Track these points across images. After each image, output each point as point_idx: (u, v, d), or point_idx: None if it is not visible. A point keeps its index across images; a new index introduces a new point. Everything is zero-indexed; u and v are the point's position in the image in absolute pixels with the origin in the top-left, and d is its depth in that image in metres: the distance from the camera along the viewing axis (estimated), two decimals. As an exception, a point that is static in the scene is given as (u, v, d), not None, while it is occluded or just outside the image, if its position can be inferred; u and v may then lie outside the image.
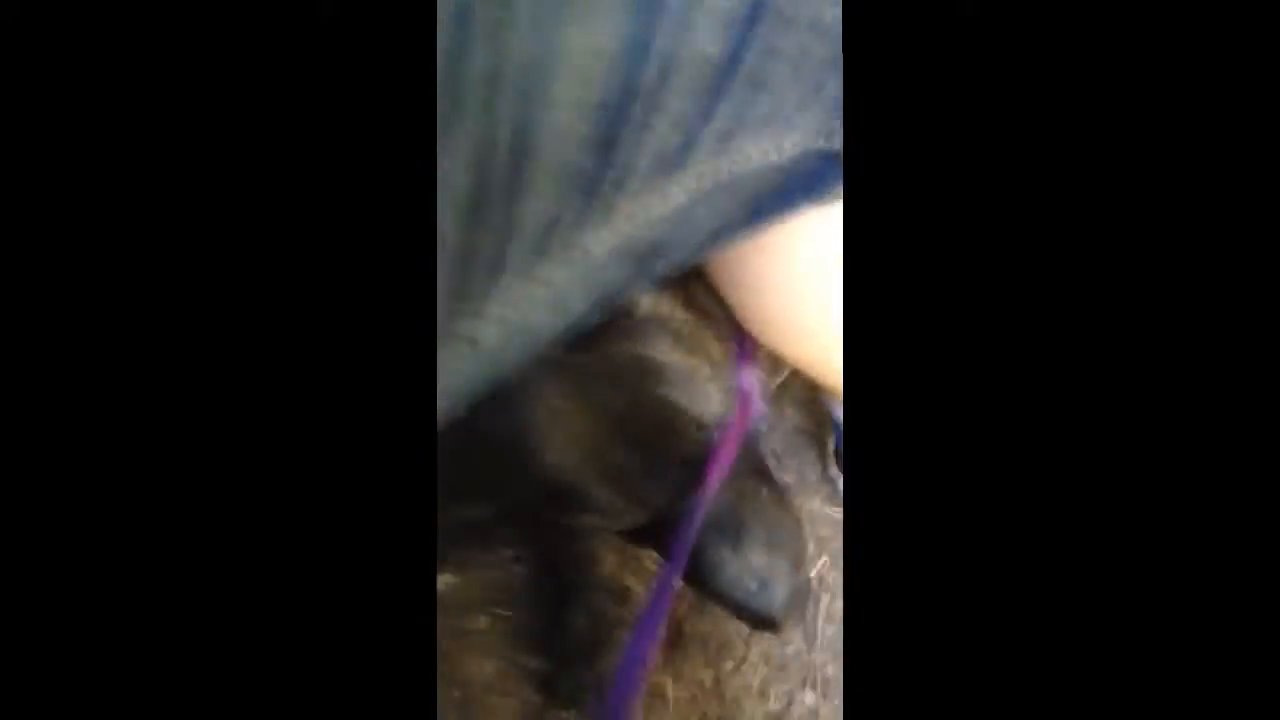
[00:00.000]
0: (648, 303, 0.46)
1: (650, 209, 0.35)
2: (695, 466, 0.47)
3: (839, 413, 0.64)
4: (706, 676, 0.71)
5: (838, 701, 0.70)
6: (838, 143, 0.37)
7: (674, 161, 0.35)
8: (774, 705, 0.70)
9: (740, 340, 0.53)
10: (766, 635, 0.72)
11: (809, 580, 0.51)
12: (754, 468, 0.50)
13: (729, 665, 0.72)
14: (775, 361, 0.78)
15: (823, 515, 0.75)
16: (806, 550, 0.52)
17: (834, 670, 0.71)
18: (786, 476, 0.77)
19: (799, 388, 0.79)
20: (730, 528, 0.47)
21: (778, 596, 0.48)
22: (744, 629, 0.71)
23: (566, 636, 0.64)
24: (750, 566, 0.47)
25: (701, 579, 0.49)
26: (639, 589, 0.70)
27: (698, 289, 0.50)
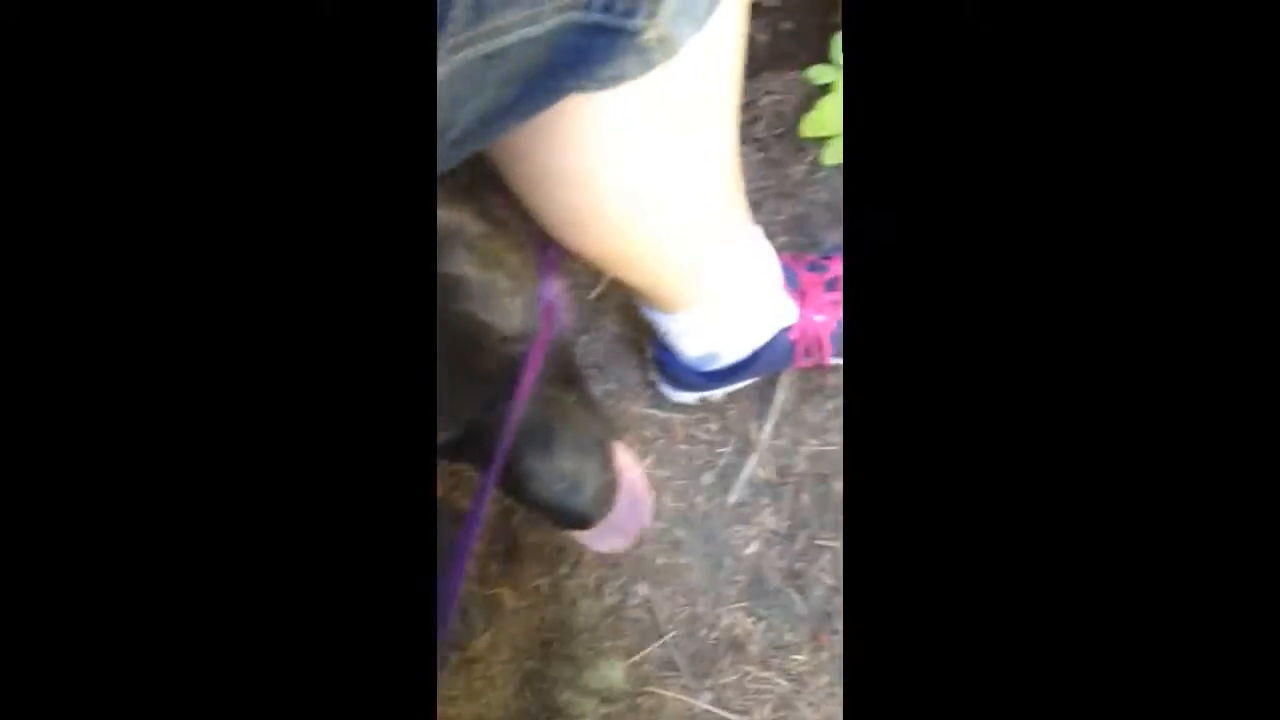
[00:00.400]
0: (440, 216, 0.45)
1: None
2: (502, 380, 0.47)
3: (649, 314, 0.66)
4: (543, 582, 0.74)
5: (668, 590, 0.74)
6: (600, 14, 0.36)
7: None
8: (610, 600, 0.74)
9: (542, 249, 0.53)
10: (599, 537, 0.75)
11: (615, 477, 0.53)
12: (561, 375, 0.51)
13: (564, 569, 0.74)
14: (594, 271, 0.79)
15: (646, 417, 0.78)
16: (611, 450, 0.54)
17: (663, 561, 0.75)
18: (609, 384, 0.79)
19: (618, 295, 0.80)
20: (539, 436, 0.48)
21: (586, 495, 0.49)
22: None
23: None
24: (560, 471, 0.49)
25: (515, 487, 0.50)
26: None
27: (492, 198, 0.49)
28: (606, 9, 0.37)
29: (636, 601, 0.74)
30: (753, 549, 0.75)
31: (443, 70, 0.34)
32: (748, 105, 0.81)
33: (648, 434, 0.78)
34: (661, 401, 0.78)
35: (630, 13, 0.37)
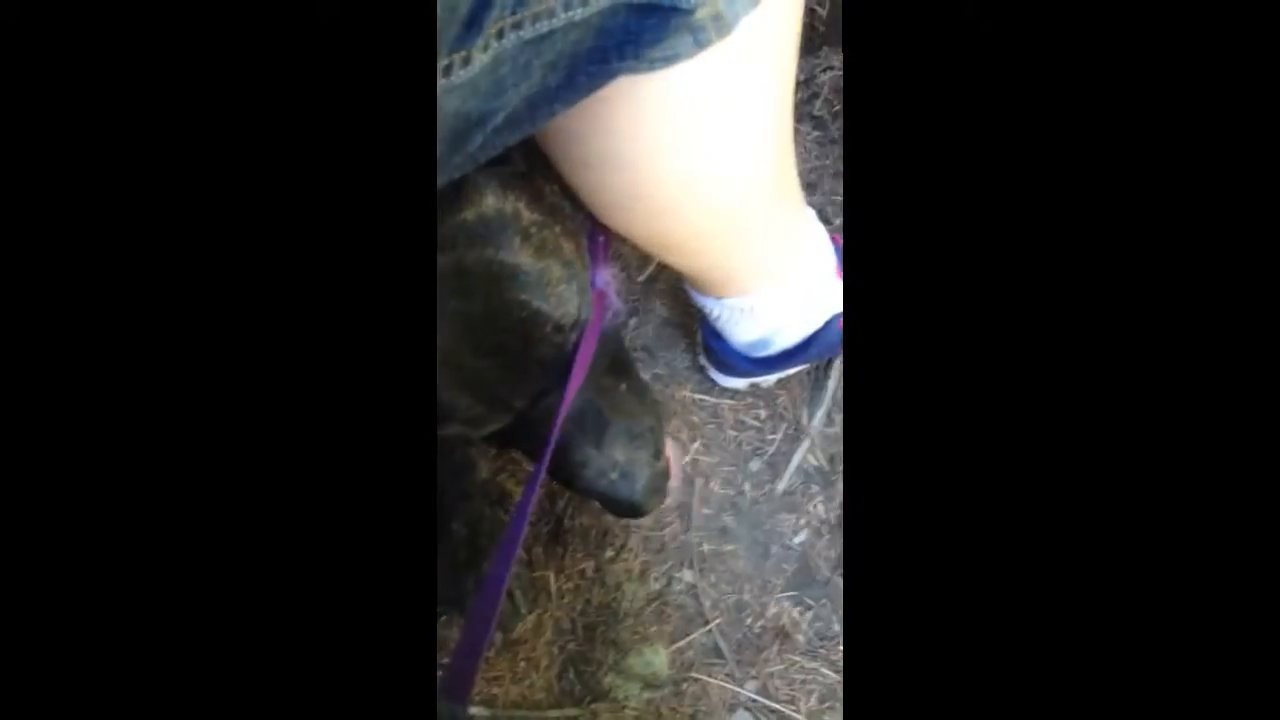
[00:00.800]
0: (493, 202, 0.44)
1: (451, 75, 0.33)
2: (555, 368, 0.47)
3: (699, 300, 0.64)
4: (588, 566, 0.73)
5: (714, 577, 0.73)
6: None
7: (470, 20, 0.32)
8: (655, 585, 0.74)
9: (593, 236, 0.52)
10: (645, 522, 0.74)
11: (667, 467, 0.53)
12: (613, 363, 0.50)
13: (609, 553, 0.74)
14: (642, 253, 0.78)
15: (695, 402, 0.77)
16: (664, 439, 0.53)
17: (709, 548, 0.74)
18: (657, 368, 0.78)
19: (667, 278, 0.79)
20: (592, 425, 0.48)
21: (639, 485, 0.49)
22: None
23: (447, 545, 0.64)
24: (613, 460, 0.48)
25: (567, 476, 0.49)
26: (517, 492, 0.71)
27: (544, 185, 0.48)
28: None
29: (681, 587, 0.74)
30: (802, 538, 0.74)
31: (486, 56, 0.33)
32: (806, 82, 0.79)
33: (696, 419, 0.77)
34: (710, 386, 0.77)
35: None
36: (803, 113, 0.79)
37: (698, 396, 0.77)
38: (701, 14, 0.38)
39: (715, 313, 0.65)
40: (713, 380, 0.76)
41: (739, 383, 0.75)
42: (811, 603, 0.72)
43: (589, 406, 0.47)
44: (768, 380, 0.75)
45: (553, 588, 0.73)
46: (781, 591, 0.73)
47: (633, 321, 0.79)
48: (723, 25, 0.40)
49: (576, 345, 0.46)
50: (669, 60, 0.40)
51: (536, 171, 0.49)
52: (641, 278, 0.80)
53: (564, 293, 0.45)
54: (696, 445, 0.76)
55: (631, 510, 0.50)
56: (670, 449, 0.55)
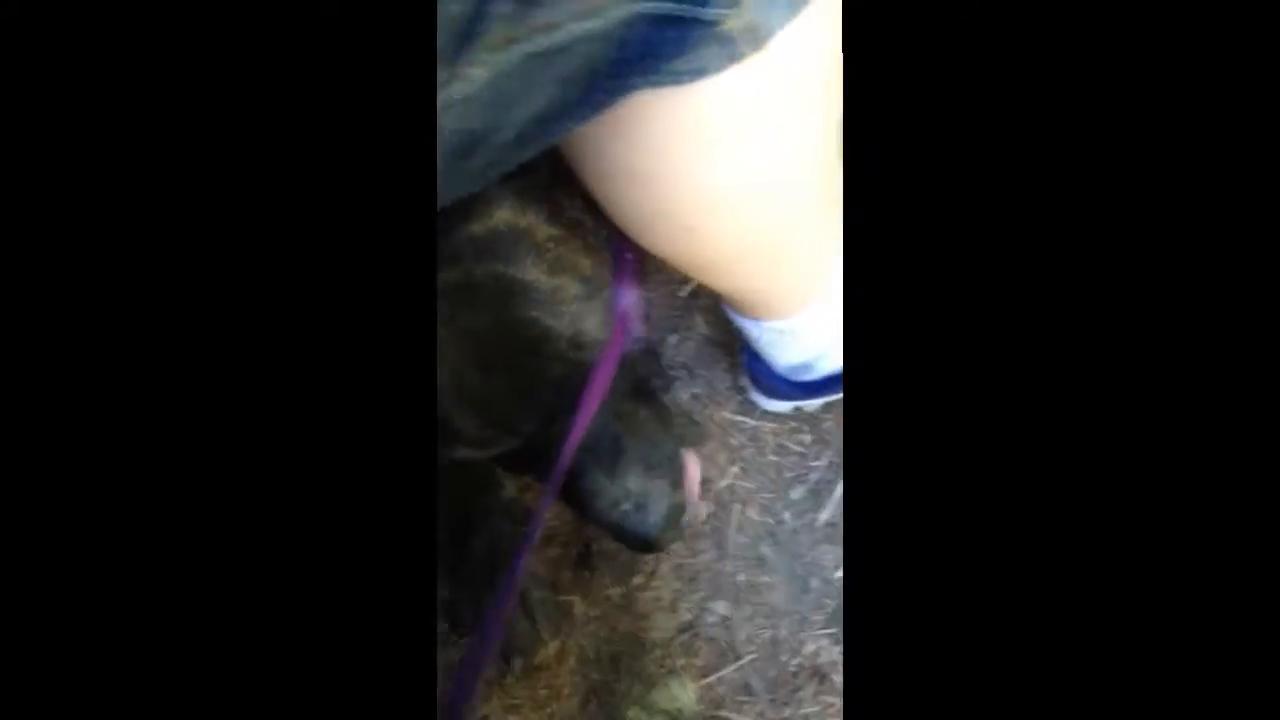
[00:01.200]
0: (505, 215, 0.42)
1: (448, 91, 0.30)
2: (569, 389, 0.44)
3: (738, 321, 0.61)
4: (615, 593, 0.70)
5: (748, 610, 0.70)
6: (671, 2, 0.32)
7: (465, 35, 0.30)
8: (685, 617, 0.70)
9: (619, 253, 0.49)
10: (677, 548, 0.71)
11: (684, 499, 0.49)
12: (635, 387, 0.47)
13: (638, 580, 0.71)
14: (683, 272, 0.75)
15: (734, 424, 0.74)
16: (684, 469, 0.49)
17: (744, 579, 0.70)
18: (696, 388, 0.75)
19: (708, 295, 0.76)
20: (606, 452, 0.45)
21: (653, 518, 0.46)
22: (654, 543, 0.70)
23: (466, 563, 0.62)
24: (627, 490, 0.45)
25: (579, 504, 0.47)
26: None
27: (563, 199, 0.46)
28: None
29: (714, 620, 0.70)
30: (843, 572, 0.70)
31: (484, 71, 0.31)
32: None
33: (735, 442, 0.73)
34: (751, 408, 0.74)
35: (703, 0, 0.33)
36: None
37: (737, 418, 0.74)
38: (732, 25, 0.35)
39: (755, 335, 0.62)
40: (754, 402, 0.73)
41: (782, 406, 0.72)
42: (851, 643, 0.68)
43: (604, 432, 0.44)
44: (812, 404, 0.71)
45: (578, 614, 0.70)
46: (820, 629, 0.69)
47: (673, 339, 0.76)
48: (757, 37, 0.37)
49: (593, 367, 0.44)
50: (697, 73, 0.37)
51: (559, 184, 0.46)
52: (683, 293, 0.77)
53: (579, 311, 0.43)
54: (735, 469, 0.73)
55: (645, 544, 0.47)
56: (692, 466, 0.51)
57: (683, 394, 0.74)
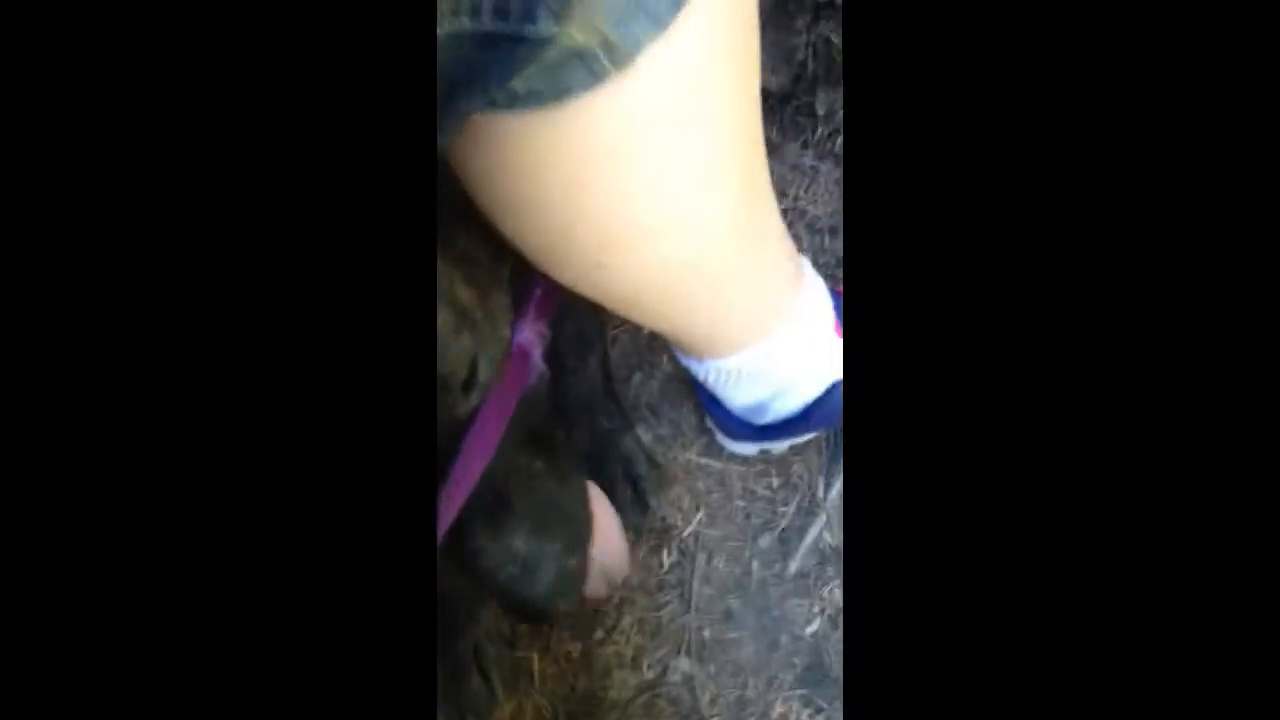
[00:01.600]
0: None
1: None
2: (442, 437, 0.41)
3: (684, 362, 0.58)
4: (574, 649, 0.67)
5: (713, 668, 0.65)
6: (493, 21, 0.30)
7: None
8: (647, 675, 0.66)
9: (530, 286, 0.46)
10: (640, 601, 0.67)
11: (584, 563, 0.46)
12: (529, 437, 0.44)
13: (599, 634, 0.67)
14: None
15: (700, 467, 0.70)
16: (587, 528, 0.46)
17: (710, 634, 0.66)
18: (661, 429, 0.71)
19: (674, 332, 0.72)
20: (489, 509, 0.42)
21: (540, 584, 0.42)
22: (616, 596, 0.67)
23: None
24: (511, 552, 0.42)
25: (465, 564, 0.43)
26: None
27: (455, 228, 0.43)
28: (500, 14, 0.30)
29: (677, 678, 0.66)
30: (815, 627, 0.65)
31: None
32: (826, 116, 0.71)
33: (700, 486, 0.69)
34: (718, 450, 0.70)
35: (528, 16, 0.30)
36: (824, 150, 0.72)
37: (703, 461, 0.70)
38: (582, 41, 0.33)
39: (701, 375, 0.58)
40: (721, 445, 0.69)
41: (748, 448, 0.68)
42: (824, 704, 0.63)
43: (486, 486, 0.41)
44: (779, 446, 0.67)
45: (535, 671, 0.67)
46: (790, 689, 0.64)
47: (637, 377, 0.73)
48: (618, 54, 0.34)
49: (474, 412, 0.41)
50: (563, 94, 0.35)
51: (456, 217, 0.44)
52: (647, 329, 0.73)
53: (454, 348, 0.39)
54: (701, 515, 0.69)
55: (531, 613, 0.43)
56: (611, 528, 0.48)
57: (646, 435, 0.70)
